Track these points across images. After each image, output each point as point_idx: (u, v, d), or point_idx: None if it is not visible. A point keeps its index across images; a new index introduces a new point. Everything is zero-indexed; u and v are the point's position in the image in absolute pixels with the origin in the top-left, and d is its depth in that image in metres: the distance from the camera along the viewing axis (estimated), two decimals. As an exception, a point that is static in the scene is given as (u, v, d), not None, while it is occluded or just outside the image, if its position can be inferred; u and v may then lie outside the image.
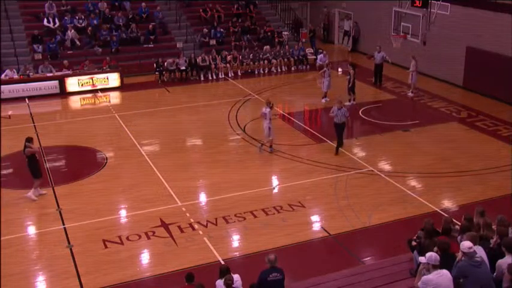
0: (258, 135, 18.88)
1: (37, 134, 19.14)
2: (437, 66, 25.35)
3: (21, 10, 27.98)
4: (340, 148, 17.38)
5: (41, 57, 25.42)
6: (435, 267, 8.10)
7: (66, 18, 27.43)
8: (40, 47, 25.82)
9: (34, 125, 20.23)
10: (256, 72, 27.22)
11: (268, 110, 17.08)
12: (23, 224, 13.67)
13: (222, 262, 11.56)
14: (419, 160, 16.92)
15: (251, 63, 27.30)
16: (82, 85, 24.18)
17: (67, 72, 24.30)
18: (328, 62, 23.98)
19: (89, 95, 23.90)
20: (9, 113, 21.11)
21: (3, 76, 23.38)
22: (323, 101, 22.26)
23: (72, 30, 26.84)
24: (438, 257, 8.13)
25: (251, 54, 27.46)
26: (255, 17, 31.08)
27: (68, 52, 26.26)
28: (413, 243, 9.81)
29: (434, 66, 25.46)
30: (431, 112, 21.47)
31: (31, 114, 21.44)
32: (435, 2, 24.46)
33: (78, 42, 26.72)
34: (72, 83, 24.08)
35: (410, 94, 23.21)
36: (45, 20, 27.09)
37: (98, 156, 17.59)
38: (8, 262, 11.83)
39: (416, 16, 25.27)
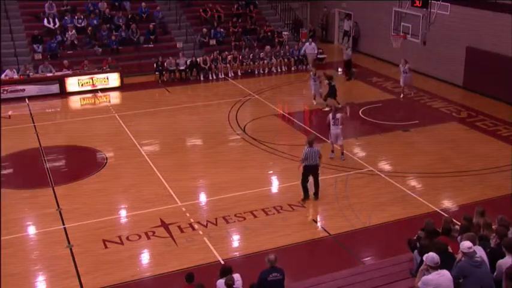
0: (258, 135, 18.90)
1: (37, 134, 19.16)
2: (437, 66, 25.35)
3: (21, 10, 27.96)
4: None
5: (41, 57, 25.41)
6: (435, 267, 8.10)
7: (66, 18, 27.41)
8: (40, 47, 25.80)
9: (34, 125, 20.22)
10: (256, 72, 27.22)
11: (338, 115, 16.74)
12: (23, 224, 13.67)
13: (222, 262, 11.57)
14: (419, 160, 16.93)
15: (251, 63, 27.30)
16: (82, 85, 24.17)
17: (67, 72, 24.29)
18: (315, 71, 23.03)
19: (89, 95, 23.90)
20: (9, 113, 21.16)
21: (3, 76, 23.37)
22: (314, 102, 22.28)
23: (73, 31, 26.84)
24: (438, 258, 8.12)
25: (251, 54, 27.46)
26: (255, 17, 31.07)
27: (68, 52, 26.24)
28: (413, 243, 9.82)
29: (434, 66, 25.47)
30: (431, 112, 21.47)
31: (31, 114, 21.43)
32: (435, 2, 24.46)
33: (76, 42, 26.69)
34: (72, 83, 24.07)
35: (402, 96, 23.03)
36: (45, 20, 27.07)
37: (98, 156, 17.58)
38: (8, 262, 11.83)
39: (416, 16, 25.26)
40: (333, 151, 16.97)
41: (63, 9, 28.09)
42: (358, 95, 22.26)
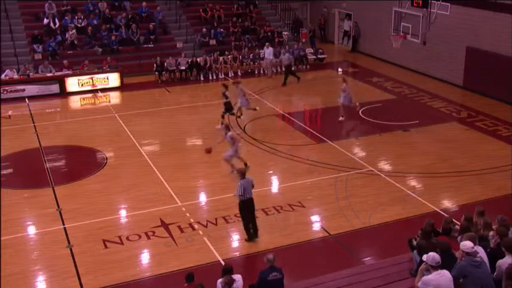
0: (258, 135, 18.90)
1: (37, 134, 19.16)
2: (437, 66, 25.36)
3: (21, 10, 27.96)
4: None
5: (41, 57, 25.41)
6: (435, 267, 8.10)
7: (66, 18, 27.42)
8: (40, 47, 25.80)
9: (34, 125, 20.22)
10: (256, 72, 27.22)
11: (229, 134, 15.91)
12: (23, 224, 13.66)
13: (222, 262, 11.57)
14: (419, 160, 16.93)
15: (251, 63, 27.31)
16: (82, 85, 24.18)
17: (67, 72, 24.30)
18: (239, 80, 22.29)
19: (89, 95, 23.90)
20: (9, 113, 21.17)
21: (3, 76, 23.37)
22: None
23: (73, 31, 26.84)
24: (439, 258, 8.12)
25: (251, 54, 27.46)
26: (255, 17, 31.09)
27: (68, 52, 26.24)
28: (413, 243, 9.82)
29: (434, 66, 25.48)
30: (431, 112, 21.47)
31: (31, 114, 21.43)
32: (435, 2, 24.47)
33: (76, 42, 26.69)
34: (72, 83, 24.08)
35: (341, 118, 20.27)
36: (45, 20, 27.08)
37: (98, 156, 17.58)
38: (8, 262, 11.86)
39: (416, 16, 25.29)
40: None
41: (63, 9, 28.09)
42: (358, 95, 22.16)
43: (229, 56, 26.95)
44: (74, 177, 16.07)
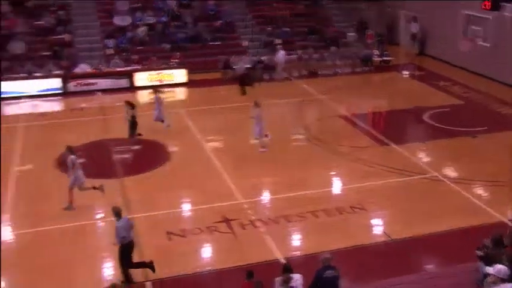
0: (322, 136, 18.89)
1: (106, 127, 19.78)
2: (507, 72, 24.52)
3: (96, 7, 29.04)
4: None
5: (112, 52, 26.30)
6: (503, 280, 7.90)
7: (137, 15, 28.24)
8: (112, 42, 26.70)
9: (104, 118, 20.90)
10: (320, 72, 27.14)
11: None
12: (91, 213, 14.18)
13: (282, 261, 11.66)
14: (486, 167, 16.46)
15: (316, 63, 27.26)
16: (150, 80, 24.86)
17: (136, 67, 25.04)
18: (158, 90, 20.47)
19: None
20: (82, 105, 21.91)
21: (78, 69, 24.37)
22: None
23: (143, 27, 27.62)
24: (508, 271, 7.92)
25: (316, 55, 27.42)
26: (321, 17, 31.00)
27: (138, 48, 27.02)
28: (479, 252, 9.61)
29: (505, 72, 24.64)
30: (501, 119, 20.82)
31: (101, 107, 22.18)
32: (506, 4, 23.58)
33: (146, 38, 27.47)
34: (141, 78, 24.81)
35: (262, 150, 17.80)
36: (118, 17, 28.01)
37: (163, 151, 18.02)
38: (76, 248, 12.39)
39: (486, 19, 24.52)
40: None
41: (135, 6, 28.94)
42: (424, 99, 21.82)
43: (294, 56, 27.01)
44: (140, 170, 16.56)
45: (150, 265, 11.38)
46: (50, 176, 16.21)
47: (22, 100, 23.30)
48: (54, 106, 23.17)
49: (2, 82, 23.32)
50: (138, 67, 25.12)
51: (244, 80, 24.23)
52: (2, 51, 25.53)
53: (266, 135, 17.70)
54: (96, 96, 21.88)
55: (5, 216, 13.72)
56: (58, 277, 11.48)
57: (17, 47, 25.70)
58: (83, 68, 24.68)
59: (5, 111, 22.16)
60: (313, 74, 26.96)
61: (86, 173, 15.90)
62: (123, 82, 24.56)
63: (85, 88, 23.97)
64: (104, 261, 12.12)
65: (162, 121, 19.37)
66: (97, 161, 17.53)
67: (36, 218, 13.76)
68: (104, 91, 23.97)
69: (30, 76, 24.07)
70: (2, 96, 23.16)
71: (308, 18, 30.59)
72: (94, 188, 14.52)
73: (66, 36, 26.90)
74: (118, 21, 28.09)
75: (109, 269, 11.81)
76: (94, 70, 24.67)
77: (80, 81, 23.98)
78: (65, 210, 14.07)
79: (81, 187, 14.39)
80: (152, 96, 20.15)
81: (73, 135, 19.00)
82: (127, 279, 11.22)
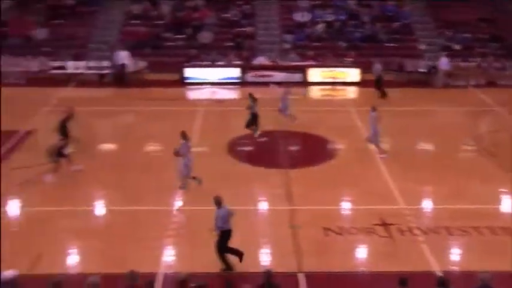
0: (495, 148, 17.85)
1: (277, 118, 20.59)
2: None
3: (279, 3, 30.24)
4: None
5: (289, 47, 27.25)
6: None
7: (316, 12, 28.89)
8: (290, 37, 27.66)
9: (273, 109, 21.63)
10: (500, 82, 25.49)
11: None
12: (253, 199, 14.90)
13: (438, 273, 11.37)
14: None
15: (495, 72, 25.67)
16: (323, 77, 25.35)
17: (311, 63, 25.68)
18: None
19: (328, 87, 24.90)
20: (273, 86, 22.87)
21: (256, 61, 25.68)
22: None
23: (321, 24, 28.19)
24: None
25: (496, 63, 25.80)
26: (505, 23, 29.02)
27: (314, 44, 27.65)
28: None
29: None
30: None
31: (274, 98, 23.08)
32: None
33: (324, 35, 28.00)
34: (314, 74, 25.40)
35: (381, 156, 17.42)
36: (298, 14, 28.90)
37: (329, 147, 18.35)
38: (235, 231, 13.11)
39: None
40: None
41: (315, 3, 29.62)
42: None
43: (472, 63, 25.72)
44: (306, 163, 17.06)
45: (240, 254, 11.57)
46: (220, 159, 17.29)
47: (204, 86, 25.12)
48: (231, 94, 24.67)
49: (189, 68, 25.41)
50: (313, 63, 25.73)
51: (378, 83, 23.60)
52: (192, 40, 27.80)
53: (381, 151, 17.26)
54: (270, 87, 22.84)
55: (176, 194, 14.93)
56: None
57: (205, 37, 27.81)
58: (261, 60, 25.99)
59: (189, 95, 24.11)
60: (491, 84, 25.45)
61: (253, 160, 16.77)
62: (297, 76, 25.32)
63: (261, 79, 25.12)
64: (256, 245, 12.67)
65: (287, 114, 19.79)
66: (265, 150, 18.40)
67: (203, 197, 14.81)
68: (278, 83, 24.88)
69: (213, 64, 25.90)
70: (188, 81, 25.27)
71: (491, 24, 28.83)
72: (193, 178, 14.86)
73: (248, 29, 28.49)
74: (298, 17, 28.99)
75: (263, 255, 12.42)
76: (271, 63, 25.82)
77: (257, 73, 25.24)
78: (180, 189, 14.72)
79: (186, 174, 14.75)
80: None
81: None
82: (227, 266, 11.52)
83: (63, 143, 16.08)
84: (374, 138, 17.34)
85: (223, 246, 11.53)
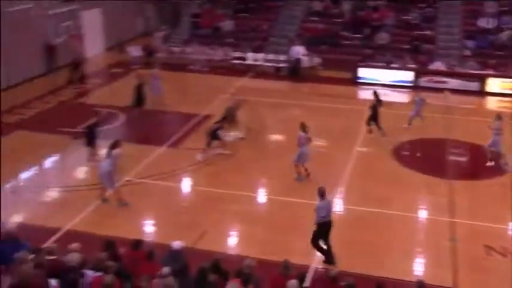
0: None
1: (446, 126, 20.03)
2: None
3: (462, 7, 29.12)
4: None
5: (469, 53, 26.17)
6: None
7: (503, 18, 27.33)
8: (471, 43, 26.54)
9: (445, 116, 21.12)
10: None
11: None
12: (415, 205, 14.76)
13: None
14: None
15: None
16: (502, 87, 24.03)
17: (491, 72, 24.46)
18: None
19: (507, 99, 23.54)
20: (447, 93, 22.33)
21: (432, 66, 25.07)
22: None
23: (507, 31, 26.64)
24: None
25: None
26: None
27: (497, 53, 26.24)
28: None
29: None
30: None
31: (447, 105, 22.47)
32: None
33: (509, 44, 26.45)
34: (493, 84, 24.16)
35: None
36: (482, 19, 27.58)
37: (500, 162, 17.44)
38: (390, 235, 13.22)
39: None
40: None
41: (503, 9, 28.02)
42: None
43: None
44: (472, 176, 16.54)
45: (331, 256, 11.66)
46: (385, 162, 17.36)
47: (375, 87, 25.14)
48: (402, 97, 24.41)
49: (362, 68, 25.68)
50: (493, 72, 24.47)
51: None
52: (369, 40, 27.95)
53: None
54: (444, 94, 22.20)
55: (339, 189, 15.42)
56: (370, 256, 12.46)
57: (383, 38, 27.75)
58: (437, 65, 25.32)
59: (359, 95, 24.34)
60: None
61: (416, 166, 16.50)
62: (474, 85, 24.27)
63: (435, 85, 24.47)
64: (411, 254, 12.67)
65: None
66: (430, 157, 18.10)
67: (361, 197, 15.10)
68: (452, 91, 24.12)
69: (387, 66, 25.81)
70: (360, 81, 25.52)
71: None
72: (306, 170, 15.60)
73: (428, 33, 27.82)
74: (482, 23, 27.65)
75: (417, 264, 12.39)
76: (447, 69, 25.05)
77: (432, 78, 24.64)
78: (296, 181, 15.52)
79: (300, 164, 15.53)
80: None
81: (418, 127, 19.82)
82: (327, 259, 11.74)
83: (219, 126, 17.26)
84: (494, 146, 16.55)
85: (317, 239, 11.74)
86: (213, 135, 16.97)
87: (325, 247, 11.90)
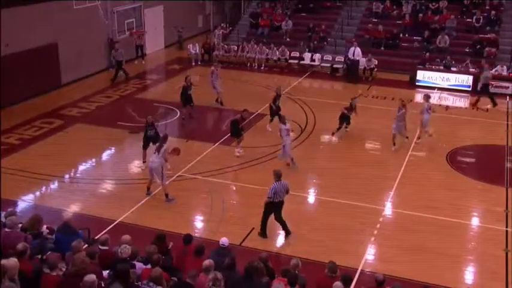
0: None
1: (507, 132, 19.46)
2: None
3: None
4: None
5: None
6: None
7: None
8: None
9: (507, 123, 20.57)
10: None
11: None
12: (469, 213, 14.48)
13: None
14: None
15: None
16: None
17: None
18: None
19: None
20: (488, 106, 21.77)
21: (493, 71, 24.33)
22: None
23: None
24: None
25: None
26: None
27: None
28: None
29: None
30: None
31: (507, 112, 21.84)
32: None
33: None
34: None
35: None
36: None
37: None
38: (445, 242, 12.97)
39: None
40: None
41: None
42: None
43: None
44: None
45: (287, 229, 12.83)
46: (438, 166, 17.01)
47: (433, 90, 24.62)
48: (460, 102, 23.82)
49: (421, 71, 25.22)
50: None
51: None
52: (428, 42, 27.39)
53: None
54: (505, 101, 21.49)
55: (391, 193, 15.24)
56: (418, 261, 12.32)
57: (443, 41, 27.10)
58: (499, 69, 24.55)
59: (417, 98, 23.84)
60: None
61: (471, 173, 16.17)
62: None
63: (495, 90, 23.77)
64: (462, 262, 12.41)
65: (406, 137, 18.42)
66: (485, 164, 17.70)
67: (412, 202, 14.88)
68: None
69: (447, 69, 25.23)
70: (419, 84, 25.04)
71: None
72: (292, 160, 16.26)
73: (491, 36, 26.97)
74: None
75: (468, 273, 12.11)
76: (510, 74, 24.26)
77: (492, 82, 23.93)
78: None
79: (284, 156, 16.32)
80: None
81: (475, 133, 19.53)
82: (262, 231, 12.80)
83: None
84: None
85: (266, 215, 12.73)
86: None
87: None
